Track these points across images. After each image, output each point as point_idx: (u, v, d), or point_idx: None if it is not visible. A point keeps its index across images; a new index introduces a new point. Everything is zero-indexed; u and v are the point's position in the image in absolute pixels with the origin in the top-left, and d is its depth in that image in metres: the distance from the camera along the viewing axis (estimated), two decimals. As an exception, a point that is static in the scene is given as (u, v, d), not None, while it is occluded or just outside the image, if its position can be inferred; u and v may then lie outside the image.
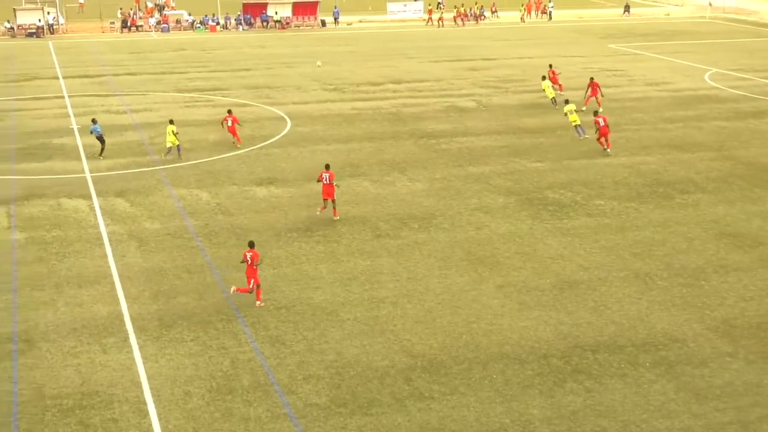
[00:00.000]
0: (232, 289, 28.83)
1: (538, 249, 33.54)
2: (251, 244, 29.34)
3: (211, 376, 24.36)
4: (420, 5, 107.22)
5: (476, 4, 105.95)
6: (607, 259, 32.61)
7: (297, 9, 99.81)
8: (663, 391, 23.83)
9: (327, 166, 37.16)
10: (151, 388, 23.74)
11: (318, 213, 36.74)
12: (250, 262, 28.63)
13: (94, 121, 46.91)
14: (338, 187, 37.24)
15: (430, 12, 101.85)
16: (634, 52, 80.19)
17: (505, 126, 52.48)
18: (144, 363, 25.02)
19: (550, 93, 57.37)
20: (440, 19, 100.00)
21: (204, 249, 33.34)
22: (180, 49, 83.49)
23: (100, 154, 45.85)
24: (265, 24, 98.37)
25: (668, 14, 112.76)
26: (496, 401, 23.32)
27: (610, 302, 29.05)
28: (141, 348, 25.83)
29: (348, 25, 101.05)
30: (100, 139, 46.06)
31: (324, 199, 36.54)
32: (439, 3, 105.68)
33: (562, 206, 38.27)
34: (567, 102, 51.25)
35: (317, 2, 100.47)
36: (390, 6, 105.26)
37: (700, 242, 34.23)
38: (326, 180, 36.24)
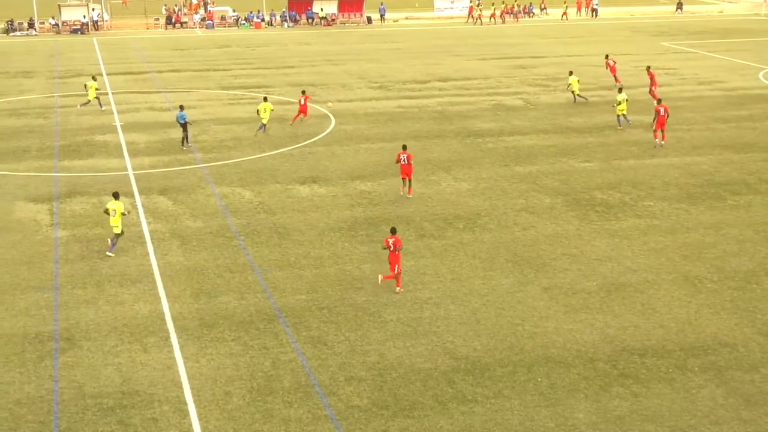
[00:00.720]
0: (379, 278, 29.90)
1: (585, 250, 33.36)
2: (393, 230, 30.34)
3: (252, 377, 24.51)
4: (467, 1, 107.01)
5: (516, 2, 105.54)
6: (655, 261, 32.36)
7: (343, 6, 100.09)
8: (712, 396, 23.60)
9: (404, 147, 39.57)
10: (191, 388, 23.93)
11: (401, 193, 39.35)
12: (392, 248, 29.47)
13: (181, 108, 48.08)
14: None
15: (470, 9, 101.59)
16: (686, 50, 79.46)
17: (552, 125, 52.25)
18: (184, 363, 25.23)
19: (576, 89, 57.18)
20: (479, 16, 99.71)
21: (246, 248, 33.55)
22: (224, 46, 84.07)
23: (182, 144, 47.22)
24: (310, 21, 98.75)
25: (722, 12, 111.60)
26: (541, 405, 23.23)
27: (658, 305, 28.82)
28: (182, 347, 26.04)
29: (394, 22, 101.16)
30: (184, 127, 47.10)
31: (402, 179, 39.24)
32: (478, 1, 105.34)
33: (610, 207, 38.03)
34: (621, 90, 52.29)
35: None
36: (437, 3, 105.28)
37: (752, 245, 33.85)
38: (404, 160, 38.75)
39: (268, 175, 42.30)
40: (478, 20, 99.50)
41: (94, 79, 57.83)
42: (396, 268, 29.57)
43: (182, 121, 47.12)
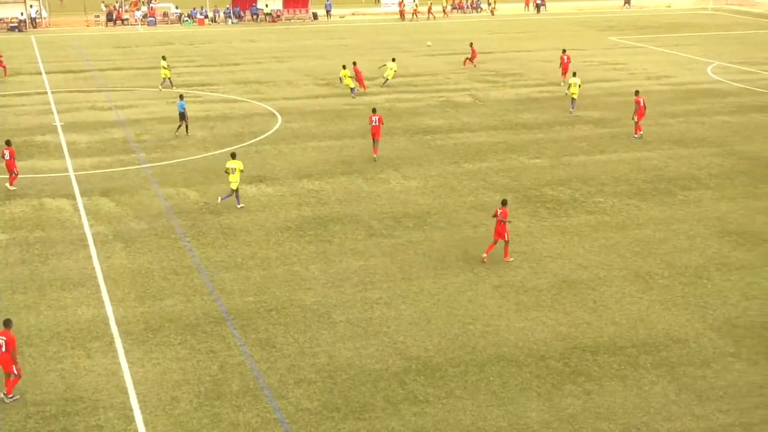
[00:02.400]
0: (483, 257, 31.91)
1: (536, 248, 33.56)
2: (504, 202, 32.12)
3: (199, 381, 24.34)
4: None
5: None
6: (606, 257, 32.65)
7: (288, 1, 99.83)
8: (664, 392, 23.85)
9: (374, 110, 45.11)
10: (137, 394, 23.71)
11: (374, 156, 44.16)
12: (498, 217, 31.41)
13: (181, 97, 50.13)
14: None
15: (400, 5, 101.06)
16: (634, 45, 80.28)
17: (501, 121, 52.51)
18: (130, 368, 24.98)
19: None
20: (415, 11, 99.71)
21: (192, 249, 33.31)
22: (167, 43, 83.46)
23: (180, 130, 49.09)
24: (255, 17, 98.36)
25: (669, 6, 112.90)
26: (493, 404, 23.32)
27: (610, 302, 29.08)
28: (127, 352, 25.79)
29: (341, 18, 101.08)
30: (182, 116, 48.84)
31: (374, 140, 44.38)
32: None
33: (561, 204, 38.30)
34: (575, 75, 55.64)
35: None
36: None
37: (702, 240, 34.28)
38: (375, 122, 44.17)
39: (213, 175, 42.02)
40: (414, 16, 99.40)
41: (344, 67, 60.92)
42: (506, 235, 31.68)
43: (181, 110, 48.87)
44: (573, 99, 54.53)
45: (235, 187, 37.52)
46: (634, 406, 23.19)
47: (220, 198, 37.98)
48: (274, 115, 54.21)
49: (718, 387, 24.10)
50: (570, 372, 24.85)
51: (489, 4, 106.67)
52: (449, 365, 25.23)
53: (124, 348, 26.06)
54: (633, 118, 48.90)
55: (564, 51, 65.03)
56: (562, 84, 61.90)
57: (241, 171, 37.70)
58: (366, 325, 27.55)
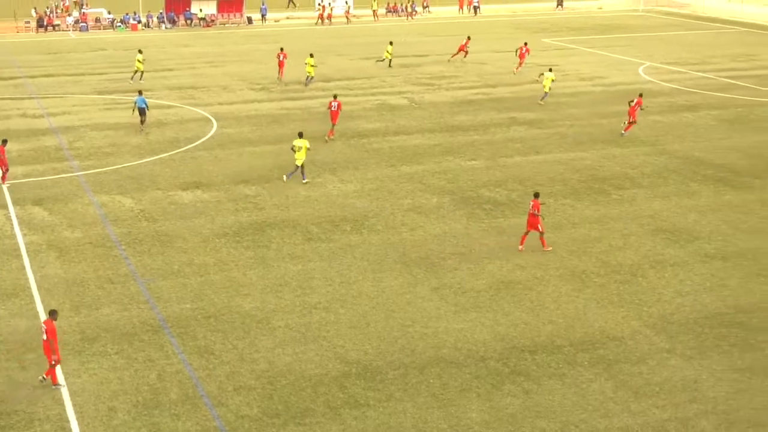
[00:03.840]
0: (520, 248, 33.17)
1: (473, 249, 33.76)
2: (536, 195, 33.50)
3: (137, 390, 24.10)
4: (351, 0, 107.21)
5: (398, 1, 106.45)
6: (543, 257, 32.94)
7: (222, 6, 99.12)
8: (601, 390, 24.14)
9: (335, 96, 49.13)
10: (73, 405, 23.41)
11: (327, 139, 47.69)
12: (532, 210, 32.74)
13: (140, 93, 52.27)
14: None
15: (322, 11, 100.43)
16: (567, 47, 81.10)
17: (437, 124, 52.72)
18: (66, 379, 24.67)
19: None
20: (329, 15, 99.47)
21: (127, 257, 32.98)
22: (100, 49, 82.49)
23: (142, 126, 51.00)
24: (189, 22, 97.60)
25: (601, 8, 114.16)
26: (434, 406, 23.41)
27: (547, 301, 29.35)
28: (62, 363, 25.43)
29: (275, 22, 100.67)
30: (142, 111, 50.59)
31: (333, 124, 48.17)
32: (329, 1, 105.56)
33: (498, 205, 38.57)
34: (550, 70, 58.63)
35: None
36: (318, 2, 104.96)
37: (636, 238, 34.75)
38: (334, 107, 48.17)
39: (148, 182, 41.66)
40: (328, 20, 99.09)
41: (311, 56, 64.34)
42: (539, 227, 32.87)
43: (141, 106, 50.57)
44: (545, 92, 57.65)
45: (299, 164, 40.72)
46: (572, 404, 23.44)
47: (285, 176, 41.30)
48: (209, 120, 53.88)
49: (653, 383, 24.46)
50: (509, 372, 25.04)
51: (424, 7, 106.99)
52: (389, 368, 25.28)
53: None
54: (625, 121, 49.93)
55: (525, 44, 69.04)
56: (515, 73, 66.39)
57: (308, 149, 40.93)
58: (305, 329, 27.50)
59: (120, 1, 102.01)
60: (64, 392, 23.95)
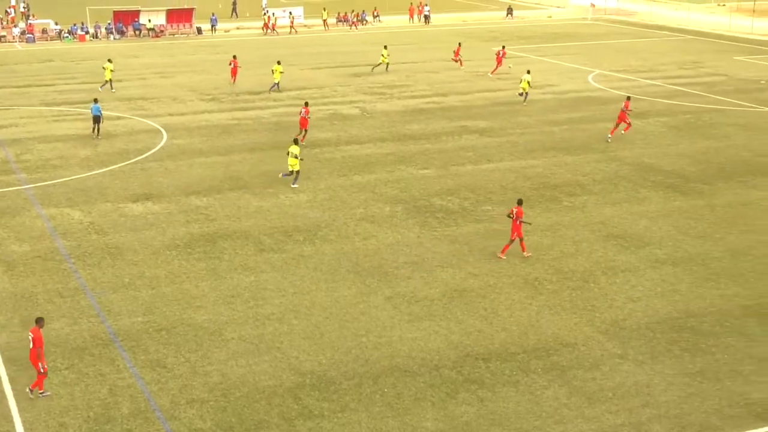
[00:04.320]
0: (501, 256, 33.32)
1: (426, 258, 33.83)
2: (519, 202, 33.81)
3: (88, 406, 23.85)
4: (301, 10, 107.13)
5: (351, 10, 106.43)
6: (496, 265, 33.09)
7: (171, 16, 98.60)
8: (555, 396, 24.28)
9: (306, 104, 50.41)
10: (23, 422, 23.11)
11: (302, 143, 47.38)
12: (514, 216, 32.95)
13: (95, 101, 52.09)
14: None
15: (267, 20, 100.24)
16: (518, 55, 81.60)
17: (389, 133, 52.82)
18: (15, 395, 24.34)
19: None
20: (273, 26, 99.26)
21: (77, 271, 32.65)
22: (47, 60, 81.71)
23: (95, 134, 51.35)
24: (137, 33, 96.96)
25: (550, 16, 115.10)
26: (389, 416, 23.41)
27: (500, 309, 29.49)
28: (11, 380, 25.11)
29: (225, 32, 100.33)
30: (96, 119, 50.90)
31: (301, 129, 49.50)
32: (272, 11, 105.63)
33: (450, 213, 38.70)
34: (528, 72, 61.43)
35: (192, 9, 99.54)
36: (263, 12, 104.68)
37: (588, 245, 35.03)
38: (303, 114, 49.49)
39: (98, 194, 41.30)
40: (272, 30, 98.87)
41: (279, 63, 65.83)
42: (515, 234, 33.13)
43: (96, 114, 50.79)
44: (525, 93, 60.30)
45: (293, 169, 41.89)
46: (526, 411, 23.55)
47: (281, 174, 42.83)
48: (159, 131, 53.53)
49: (607, 388, 24.65)
50: (463, 380, 25.11)
51: (374, 16, 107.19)
52: (343, 378, 25.25)
53: (8, 375, 25.37)
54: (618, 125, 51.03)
55: (503, 47, 73.08)
56: (490, 76, 70.81)
57: (296, 156, 41.75)
58: (258, 341, 27.39)
59: (67, 11, 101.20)
60: (13, 409, 23.64)
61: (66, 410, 23.62)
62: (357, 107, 60.06)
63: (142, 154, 48.34)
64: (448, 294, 30.68)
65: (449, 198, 40.67)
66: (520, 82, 60.95)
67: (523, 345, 27.11)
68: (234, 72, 68.35)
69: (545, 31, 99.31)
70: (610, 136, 50.82)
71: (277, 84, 64.88)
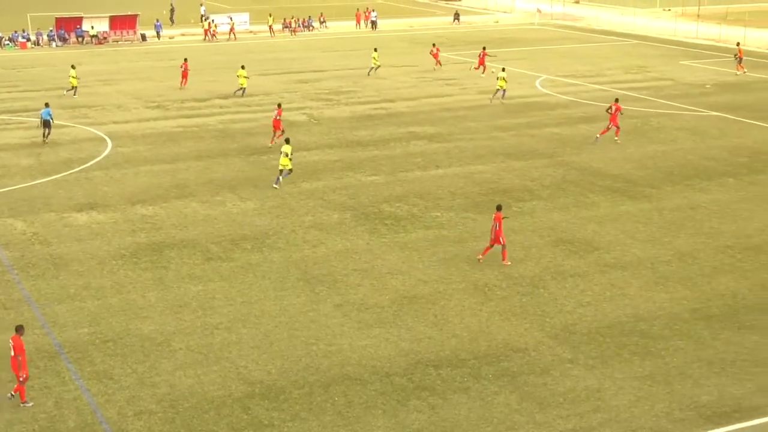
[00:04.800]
0: (479, 258, 33.63)
1: (375, 265, 33.84)
2: (499, 207, 33.72)
3: (34, 419, 23.54)
4: (246, 17, 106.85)
5: (294, 16, 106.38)
6: (446, 271, 33.18)
7: (115, 23, 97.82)
8: (506, 402, 24.38)
9: (279, 105, 52.21)
10: (-34, 436, 22.79)
11: (269, 145, 50.28)
12: (494, 222, 33.13)
13: (46, 105, 52.89)
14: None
15: (207, 27, 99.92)
16: (466, 61, 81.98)
17: (337, 139, 52.79)
18: (-43, 409, 24.00)
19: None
20: (214, 32, 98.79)
21: (20, 282, 32.23)
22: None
23: (44, 138, 52.03)
24: (80, 39, 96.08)
25: (497, 22, 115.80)
26: (339, 424, 23.37)
27: (451, 315, 29.56)
28: (-46, 393, 24.76)
29: (170, 39, 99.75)
30: (47, 123, 51.65)
31: (274, 131, 50.42)
32: (203, 16, 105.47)
33: (399, 219, 38.75)
34: (503, 70, 64.15)
35: (136, 16, 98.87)
36: (217, 18, 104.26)
37: (537, 250, 35.24)
38: (275, 116, 50.58)
39: (41, 204, 40.82)
40: (213, 37, 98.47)
41: (243, 68, 66.57)
42: (501, 239, 33.28)
43: (46, 118, 51.55)
44: (503, 90, 62.84)
45: (282, 168, 42.91)
46: (478, 418, 23.62)
47: (274, 183, 43.44)
48: (103, 140, 53.05)
49: (557, 393, 24.79)
50: (414, 387, 25.13)
51: (321, 22, 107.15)
52: (293, 387, 25.17)
53: (-50, 389, 24.98)
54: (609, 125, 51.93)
55: (484, 48, 75.01)
56: (472, 69, 74.58)
57: (287, 155, 42.76)
58: (207, 351, 27.22)
59: (8, 18, 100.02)
60: (-44, 424, 23.29)
61: (11, 424, 23.28)
62: (304, 114, 59.96)
63: (86, 163, 47.87)
64: (398, 301, 30.70)
65: (398, 204, 40.72)
66: (497, 80, 63.43)
67: (473, 351, 27.19)
68: (185, 75, 69.15)
69: (492, 37, 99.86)
70: (598, 136, 51.82)
71: (243, 89, 65.56)
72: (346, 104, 62.85)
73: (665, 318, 29.43)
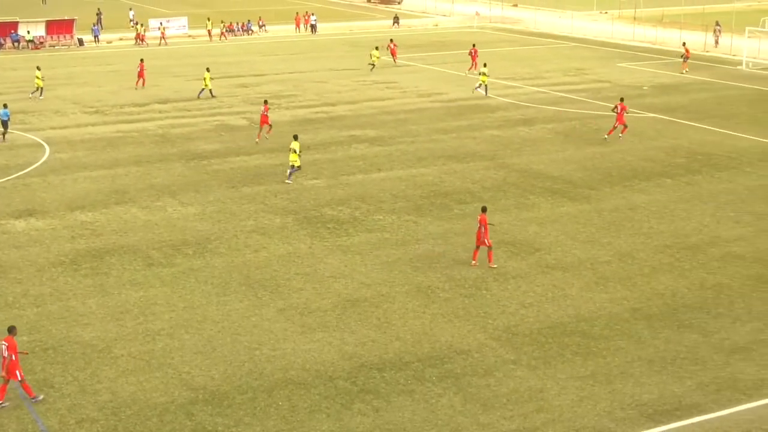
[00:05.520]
0: (473, 263, 33.79)
1: (318, 269, 33.81)
2: (483, 209, 34.24)
3: (-28, 429, 23.22)
4: (185, 21, 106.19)
5: (234, 20, 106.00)
6: (389, 274, 33.25)
7: (51, 27, 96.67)
8: (450, 404, 24.48)
9: (265, 101, 53.87)
10: None
11: (256, 140, 52.53)
12: (480, 225, 33.53)
13: (5, 106, 53.80)
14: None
15: (138, 32, 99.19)
16: (405, 64, 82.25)
17: (278, 144, 52.61)
18: None
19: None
20: (143, 37, 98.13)
21: (-43, 291, 31.74)
22: None
23: (2, 139, 53.30)
24: (16, 44, 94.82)
25: (437, 25, 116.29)
26: (284, 429, 23.32)
27: (394, 318, 29.62)
28: None
29: (108, 43, 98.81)
30: (5, 124, 53.09)
31: (261, 126, 52.52)
32: (132, 20, 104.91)
33: (341, 223, 38.75)
34: (485, 65, 67.30)
35: (74, 20, 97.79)
36: (152, 22, 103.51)
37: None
38: (263, 111, 52.43)
39: (-23, 211, 40.23)
40: (143, 42, 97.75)
41: (208, 70, 67.27)
42: (480, 241, 33.60)
43: (5, 118, 52.89)
44: (485, 85, 65.88)
45: (293, 164, 44.24)
46: (422, 420, 23.69)
47: (286, 179, 44.59)
48: (41, 145, 52.40)
49: (501, 394, 24.96)
50: (358, 390, 25.15)
51: (260, 26, 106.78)
52: (237, 393, 25.06)
53: None
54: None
55: (474, 45, 78.15)
56: (467, 74, 75.22)
57: (295, 151, 44.05)
58: (149, 357, 27.00)
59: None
60: None
61: (-52, 436, 22.95)
62: (245, 118, 59.74)
63: (23, 170, 47.24)
64: (341, 304, 30.70)
65: (340, 208, 40.72)
66: (479, 75, 66.62)
67: (417, 354, 27.28)
68: (141, 75, 70.55)
69: (431, 40, 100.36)
70: (607, 136, 53.08)
71: (210, 90, 66.39)
72: (287, 108, 62.72)
73: (606, 318, 29.75)
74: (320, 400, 24.66)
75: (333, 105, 63.42)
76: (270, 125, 52.60)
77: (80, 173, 46.57)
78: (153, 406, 24.39)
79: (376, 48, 78.91)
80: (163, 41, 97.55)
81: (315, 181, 44.98)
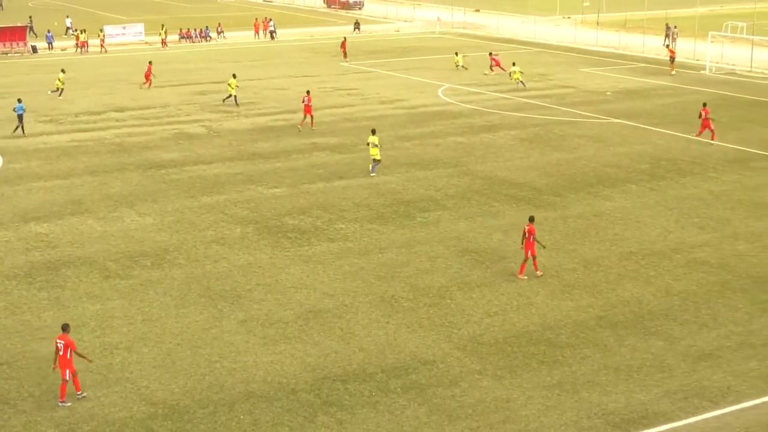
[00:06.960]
0: (520, 276, 33.63)
1: (280, 279, 33.72)
2: (531, 219, 34.12)
3: (-76, 448, 22.92)
4: (141, 27, 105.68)
5: (191, 26, 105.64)
6: (351, 284, 33.22)
7: (3, 34, 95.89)
8: (416, 415, 24.48)
9: (308, 92, 58.15)
10: None
11: (299, 128, 56.74)
12: (528, 236, 33.33)
13: (19, 101, 56.67)
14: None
15: (78, 39, 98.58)
16: (366, 70, 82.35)
17: (238, 152, 52.50)
18: None
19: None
20: (84, 43, 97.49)
21: None
22: None
23: (16, 131, 56.18)
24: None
25: (398, 30, 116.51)
26: (245, 444, 23.22)
27: (357, 329, 29.60)
28: None
29: (62, 50, 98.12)
30: (20, 118, 56.04)
31: (305, 115, 57.03)
32: (69, 28, 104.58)
33: (303, 233, 38.68)
34: (514, 64, 72.62)
35: (26, 27, 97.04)
36: (107, 29, 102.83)
37: (443, 260, 35.49)
38: (306, 101, 56.62)
39: (-72, 223, 39.79)
40: (84, 48, 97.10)
41: (234, 77, 67.24)
42: (529, 253, 33.37)
43: (20, 113, 55.92)
44: (522, 81, 71.43)
45: (378, 158, 47.05)
46: (387, 432, 23.68)
47: (371, 173, 46.90)
48: (-7, 155, 51.96)
49: (467, 405, 24.99)
50: (321, 403, 25.09)
51: (218, 33, 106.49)
52: (197, 407, 24.92)
53: None
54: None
55: (490, 53, 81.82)
56: (490, 73, 78.80)
57: (376, 145, 46.96)
58: (106, 371, 26.80)
59: None
60: None
61: None
62: (203, 126, 59.53)
63: (-25, 180, 46.80)
64: (303, 315, 30.63)
65: (301, 217, 40.66)
66: (512, 74, 71.79)
67: (381, 364, 27.26)
68: (147, 76, 73.10)
69: (393, 46, 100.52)
70: (696, 137, 54.79)
71: (235, 97, 65.99)
72: (246, 116, 62.57)
73: (572, 326, 29.89)
74: (283, 413, 24.58)
75: (293, 112, 63.22)
76: (312, 116, 56.59)
77: (35, 183, 46.18)
78: (111, 421, 24.20)
79: (456, 53, 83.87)
80: (103, 49, 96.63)
81: (275, 189, 44.89)
